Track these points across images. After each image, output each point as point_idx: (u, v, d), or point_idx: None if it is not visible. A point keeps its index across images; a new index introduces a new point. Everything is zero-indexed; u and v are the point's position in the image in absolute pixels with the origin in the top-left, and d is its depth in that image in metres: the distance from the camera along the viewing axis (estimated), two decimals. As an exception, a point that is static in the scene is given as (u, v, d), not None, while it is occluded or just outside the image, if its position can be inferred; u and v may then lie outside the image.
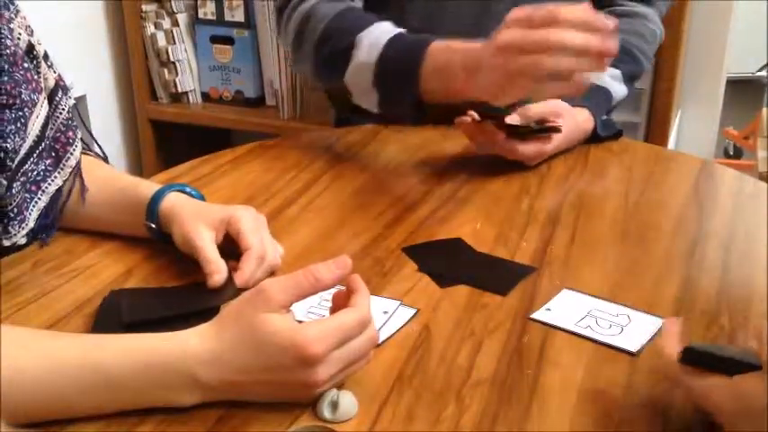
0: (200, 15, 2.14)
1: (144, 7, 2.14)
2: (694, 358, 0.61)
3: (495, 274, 0.87)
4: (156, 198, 0.88)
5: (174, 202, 0.87)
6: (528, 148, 1.12)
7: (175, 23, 2.16)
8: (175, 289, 0.84)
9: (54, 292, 0.83)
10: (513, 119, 1.12)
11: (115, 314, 0.77)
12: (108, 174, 0.97)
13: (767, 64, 3.61)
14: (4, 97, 0.80)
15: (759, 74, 3.68)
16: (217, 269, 0.80)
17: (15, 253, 0.89)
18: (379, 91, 1.11)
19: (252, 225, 0.84)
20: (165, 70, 2.17)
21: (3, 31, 0.82)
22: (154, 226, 0.88)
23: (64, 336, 0.71)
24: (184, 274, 0.85)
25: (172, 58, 2.16)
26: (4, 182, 0.82)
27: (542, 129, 1.14)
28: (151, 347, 0.64)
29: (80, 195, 0.93)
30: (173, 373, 0.63)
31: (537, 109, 1.14)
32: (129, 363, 0.63)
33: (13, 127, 0.82)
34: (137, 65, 2.19)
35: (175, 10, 2.15)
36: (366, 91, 1.12)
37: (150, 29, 2.15)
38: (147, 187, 0.90)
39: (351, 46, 1.12)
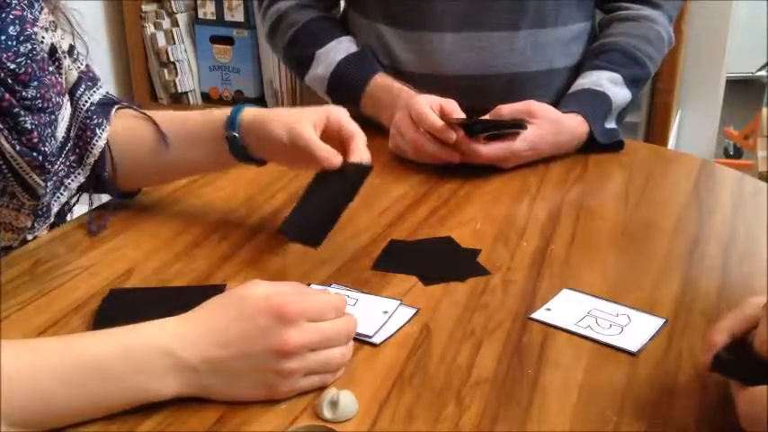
0: (200, 15, 2.15)
1: (144, 7, 2.14)
2: (723, 367, 0.63)
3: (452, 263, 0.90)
4: (237, 109, 0.90)
5: (256, 112, 0.90)
6: (492, 149, 1.11)
7: (175, 23, 2.16)
8: (176, 289, 0.84)
9: (54, 292, 0.83)
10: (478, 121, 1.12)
11: (115, 314, 0.77)
12: (170, 116, 0.97)
13: (767, 64, 3.61)
14: (39, 101, 0.81)
15: (759, 74, 3.68)
16: (332, 153, 0.85)
17: (16, 250, 0.89)
18: (332, 99, 1.31)
19: (349, 116, 0.90)
20: (165, 70, 2.17)
21: (34, 37, 0.82)
22: (237, 135, 0.89)
23: (46, 338, 0.71)
24: (185, 273, 0.85)
25: (172, 59, 2.16)
26: (44, 184, 0.83)
27: (502, 124, 1.12)
28: (132, 329, 0.65)
29: (160, 144, 0.93)
30: (154, 351, 0.63)
31: (509, 109, 1.14)
32: (110, 344, 0.64)
33: (49, 130, 0.83)
34: (137, 65, 2.19)
35: (175, 10, 2.15)
36: (323, 94, 1.34)
37: (150, 29, 2.15)
38: (220, 110, 0.93)
39: (311, 58, 1.30)
